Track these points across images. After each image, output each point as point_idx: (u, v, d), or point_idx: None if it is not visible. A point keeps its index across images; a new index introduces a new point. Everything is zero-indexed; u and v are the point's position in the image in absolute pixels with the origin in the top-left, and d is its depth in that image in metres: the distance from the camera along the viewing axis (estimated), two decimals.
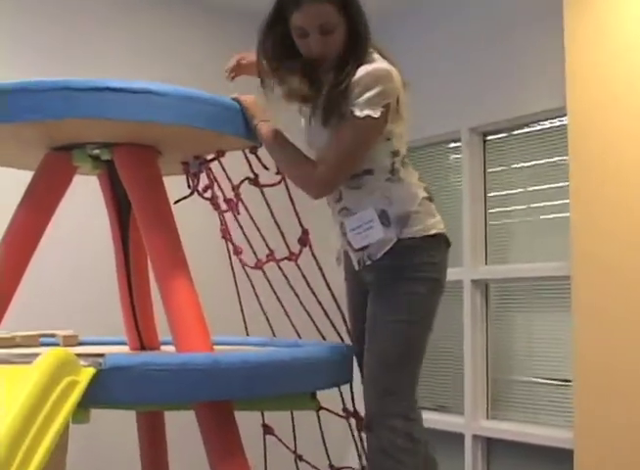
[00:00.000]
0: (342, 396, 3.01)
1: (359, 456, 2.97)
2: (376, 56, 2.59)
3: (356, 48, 2.55)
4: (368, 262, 2.63)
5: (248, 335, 3.37)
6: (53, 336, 3.28)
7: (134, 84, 2.40)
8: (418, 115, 5.07)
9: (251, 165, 2.87)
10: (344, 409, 2.96)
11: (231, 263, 3.20)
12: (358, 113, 2.48)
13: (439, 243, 2.66)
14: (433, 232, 2.62)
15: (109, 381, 2.03)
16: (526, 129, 4.78)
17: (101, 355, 2.12)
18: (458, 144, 5.12)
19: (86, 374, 1.98)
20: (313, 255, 2.87)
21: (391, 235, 2.57)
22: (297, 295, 3.02)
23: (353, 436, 3.00)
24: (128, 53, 4.86)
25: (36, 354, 2.15)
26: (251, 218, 3.04)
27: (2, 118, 2.40)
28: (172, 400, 2.28)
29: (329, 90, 2.53)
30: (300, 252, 2.88)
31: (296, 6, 2.50)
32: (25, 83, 2.37)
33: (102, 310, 4.03)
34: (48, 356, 1.89)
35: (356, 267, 2.68)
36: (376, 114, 2.48)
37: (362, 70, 2.50)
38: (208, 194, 2.99)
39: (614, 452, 3.71)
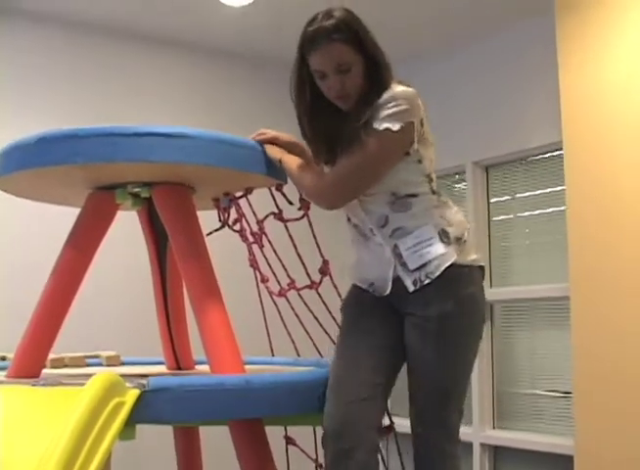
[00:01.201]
0: None
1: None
2: (399, 85, 2.38)
3: (378, 80, 2.35)
4: (426, 281, 2.30)
5: (273, 355, 3.36)
6: (97, 357, 3.29)
7: (171, 129, 2.42)
8: None
9: (275, 201, 2.85)
10: None
11: (258, 290, 3.19)
12: (377, 126, 2.27)
13: (482, 277, 2.43)
14: (481, 264, 2.42)
15: (152, 401, 2.03)
16: (525, 161, 4.80)
17: (144, 377, 2.13)
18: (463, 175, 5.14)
19: (132, 395, 1.99)
20: (333, 283, 2.85)
21: (452, 253, 2.31)
22: (316, 318, 3.03)
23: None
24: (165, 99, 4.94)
25: (85, 375, 2.17)
26: (274, 251, 3.02)
27: (54, 162, 2.41)
28: (208, 419, 2.29)
29: (352, 123, 2.33)
30: (321, 280, 2.87)
31: (312, 49, 2.33)
32: (76, 130, 2.40)
33: (141, 333, 4.04)
34: (97, 380, 1.91)
35: (410, 289, 2.33)
36: (395, 127, 2.26)
37: (387, 93, 2.31)
38: (237, 227, 3.00)
39: (612, 458, 3.68)
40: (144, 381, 2.06)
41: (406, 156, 2.35)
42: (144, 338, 3.66)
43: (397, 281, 2.37)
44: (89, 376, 1.99)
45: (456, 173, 5.20)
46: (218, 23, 4.76)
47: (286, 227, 2.90)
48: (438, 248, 2.30)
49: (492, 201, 5.03)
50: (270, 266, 3.08)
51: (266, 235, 2.96)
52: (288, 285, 2.99)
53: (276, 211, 2.89)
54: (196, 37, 5.01)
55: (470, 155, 5.00)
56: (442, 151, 5.01)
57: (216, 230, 2.94)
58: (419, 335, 2.33)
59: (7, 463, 1.78)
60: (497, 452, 4.88)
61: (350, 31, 2.31)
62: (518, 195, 4.90)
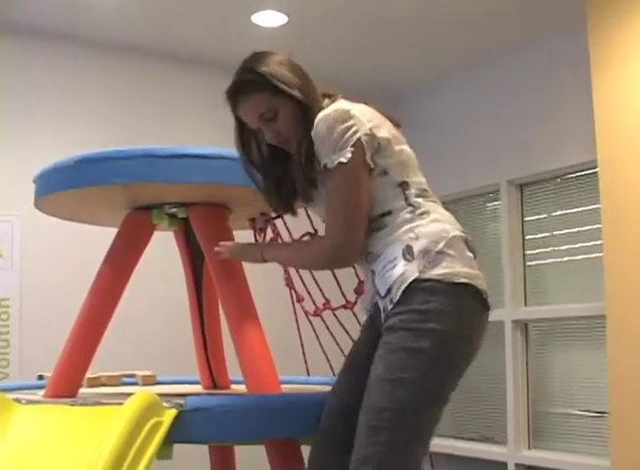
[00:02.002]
0: None
1: None
2: (337, 103, 2.21)
3: (306, 114, 2.19)
4: (390, 307, 2.10)
5: (309, 375, 3.36)
6: (133, 376, 3.32)
7: (208, 151, 2.46)
8: (460, 169, 5.18)
9: (311, 221, 2.85)
10: None
11: (294, 309, 3.20)
12: (330, 165, 2.12)
13: (471, 296, 2.11)
14: (463, 280, 2.08)
15: (189, 421, 2.04)
16: (560, 180, 4.80)
17: (182, 396, 2.14)
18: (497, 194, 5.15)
19: (169, 415, 1.99)
20: None
21: (412, 271, 2.07)
22: (352, 339, 3.03)
23: None
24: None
25: (122, 394, 2.18)
26: (311, 273, 3.03)
27: (93, 182, 2.46)
28: (245, 438, 2.28)
29: (296, 167, 2.22)
30: (356, 300, 2.87)
31: (235, 110, 2.25)
32: (115, 152, 2.44)
33: (175, 353, 4.08)
34: (136, 399, 1.92)
35: (382, 319, 2.13)
36: (345, 157, 2.09)
37: (315, 122, 2.14)
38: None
39: None
40: (181, 401, 2.07)
41: (371, 172, 2.17)
42: (178, 357, 3.70)
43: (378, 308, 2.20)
44: (127, 395, 2.01)
45: (490, 192, 5.21)
46: (251, 43, 4.79)
47: None
48: (399, 268, 2.09)
49: (527, 219, 5.03)
50: (305, 286, 3.09)
51: None
52: (323, 305, 3.00)
53: (312, 231, 2.90)
54: (230, 58, 5.05)
55: (504, 173, 5.01)
56: (477, 169, 5.10)
57: None
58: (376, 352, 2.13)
59: None
60: None
61: (260, 80, 2.20)
62: (553, 213, 4.89)
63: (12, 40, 4.52)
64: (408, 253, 2.09)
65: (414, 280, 2.05)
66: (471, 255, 2.16)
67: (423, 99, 5.43)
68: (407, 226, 2.14)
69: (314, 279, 3.03)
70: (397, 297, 2.07)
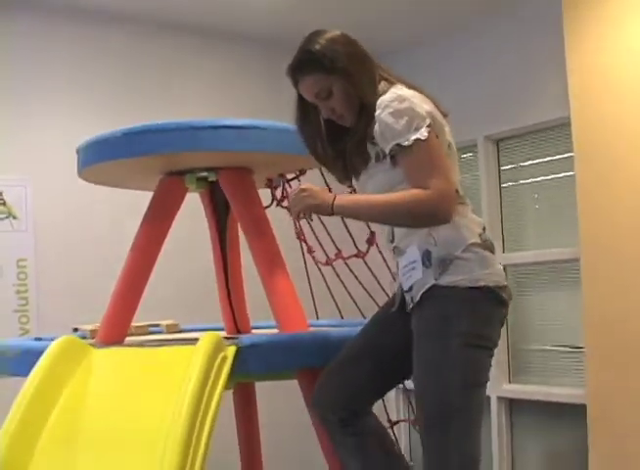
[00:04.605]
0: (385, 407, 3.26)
1: None
2: (396, 88, 2.32)
3: (358, 90, 2.32)
4: (411, 305, 2.32)
5: (318, 318, 3.68)
6: (158, 325, 3.57)
7: (240, 122, 2.79)
8: None
9: (325, 180, 3.04)
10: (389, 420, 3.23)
11: (304, 260, 3.49)
12: (406, 143, 2.20)
13: (486, 296, 2.26)
14: (480, 284, 2.24)
15: (246, 355, 2.41)
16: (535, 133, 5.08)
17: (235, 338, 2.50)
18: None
19: (231, 351, 2.36)
20: (380, 251, 3.19)
21: (429, 277, 2.26)
22: (361, 284, 3.40)
23: None
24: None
25: (163, 340, 2.52)
26: (322, 224, 3.34)
27: (138, 153, 2.79)
28: (287, 368, 2.63)
29: (350, 140, 2.36)
30: (368, 250, 3.21)
31: (295, 85, 2.39)
32: (158, 125, 2.78)
33: (197, 302, 4.39)
34: (208, 338, 2.27)
35: (407, 309, 2.36)
36: (423, 135, 2.19)
37: (380, 106, 2.26)
38: (285, 203, 3.34)
39: (622, 403, 3.91)
40: (237, 339, 2.44)
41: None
42: (198, 307, 4.02)
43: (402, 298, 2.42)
44: (168, 340, 2.34)
45: (468, 146, 5.47)
46: (254, 11, 4.96)
47: None
48: (418, 272, 2.27)
49: (503, 168, 5.29)
50: (317, 238, 3.43)
51: None
52: (335, 255, 3.36)
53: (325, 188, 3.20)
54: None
55: (481, 129, 5.27)
56: (456, 126, 5.36)
57: (267, 207, 3.25)
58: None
59: (142, 414, 2.14)
60: (513, 405, 5.17)
61: (313, 60, 2.32)
62: (527, 162, 5.16)
63: (31, 13, 4.72)
64: (427, 258, 2.26)
65: (432, 286, 2.25)
66: (488, 254, 2.30)
67: (404, 59, 5.64)
68: (428, 230, 2.27)
69: (326, 230, 3.35)
70: (417, 298, 2.27)
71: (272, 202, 3.29)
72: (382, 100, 2.26)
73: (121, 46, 5.07)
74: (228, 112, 4.48)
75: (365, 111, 2.31)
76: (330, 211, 2.30)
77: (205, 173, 3.05)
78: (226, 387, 2.31)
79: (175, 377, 2.16)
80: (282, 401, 4.12)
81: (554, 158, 4.99)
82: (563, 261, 4.82)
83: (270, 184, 3.30)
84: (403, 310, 2.38)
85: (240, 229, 3.14)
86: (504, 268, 4.94)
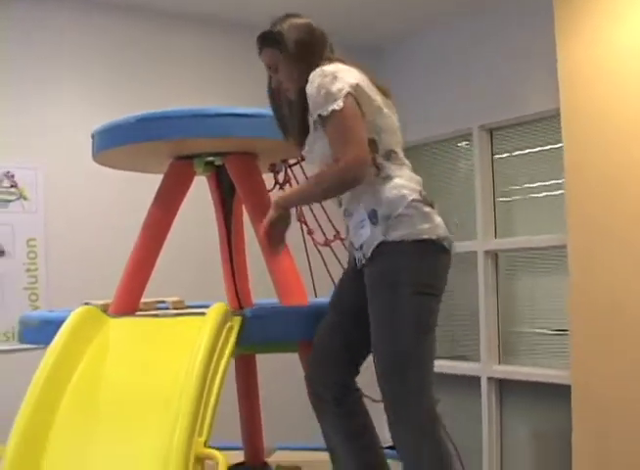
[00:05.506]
0: None
1: None
2: (331, 65, 2.55)
3: (301, 73, 2.58)
4: (363, 261, 2.54)
5: (316, 296, 3.83)
6: (164, 302, 3.70)
7: (247, 110, 2.99)
8: (437, 116, 5.63)
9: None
10: None
11: (304, 241, 3.64)
12: (325, 113, 2.45)
13: (430, 248, 2.47)
14: (422, 237, 2.45)
15: (251, 325, 2.63)
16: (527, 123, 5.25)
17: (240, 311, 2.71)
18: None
19: (237, 321, 2.57)
20: None
21: (377, 234, 2.47)
22: None
23: None
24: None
25: (174, 314, 2.70)
26: (322, 207, 3.52)
27: (150, 138, 2.98)
28: (290, 339, 2.84)
29: (289, 113, 2.70)
30: None
31: (259, 54, 2.70)
32: (169, 112, 2.97)
33: (201, 281, 4.58)
34: (216, 308, 2.47)
35: (358, 265, 2.60)
36: (338, 105, 2.43)
37: (309, 79, 2.52)
38: (287, 187, 3.54)
39: (604, 384, 4.07)
40: (243, 310, 2.65)
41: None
42: (202, 284, 4.21)
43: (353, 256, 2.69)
44: (179, 314, 2.53)
45: (464, 135, 5.65)
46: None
47: None
48: (367, 229, 2.50)
49: (496, 157, 5.47)
50: (317, 220, 3.62)
51: None
52: (334, 236, 3.55)
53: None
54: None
55: (476, 119, 5.45)
56: (453, 116, 5.57)
57: (270, 190, 3.42)
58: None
59: (157, 375, 2.34)
60: (503, 385, 5.34)
61: (270, 38, 2.63)
62: (519, 152, 5.34)
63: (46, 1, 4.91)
64: (374, 217, 2.48)
65: (381, 242, 2.46)
66: (428, 209, 2.50)
67: (399, 51, 5.83)
68: (371, 190, 2.50)
69: (325, 213, 3.53)
70: (369, 254, 2.49)
71: (274, 185, 3.49)
72: (311, 75, 2.52)
73: (138, 36, 5.27)
74: (235, 99, 4.65)
75: (304, 90, 2.56)
76: (279, 210, 2.57)
77: (212, 158, 3.24)
78: (232, 354, 2.51)
79: (187, 343, 2.35)
80: (281, 373, 4.28)
81: (544, 147, 5.16)
82: (551, 248, 4.97)
83: (273, 169, 3.50)
84: (359, 271, 2.60)
85: (244, 211, 3.33)
86: (495, 254, 5.31)
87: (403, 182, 2.51)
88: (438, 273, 2.53)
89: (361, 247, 2.54)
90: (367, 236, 2.50)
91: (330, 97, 2.45)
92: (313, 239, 3.64)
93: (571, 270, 4.30)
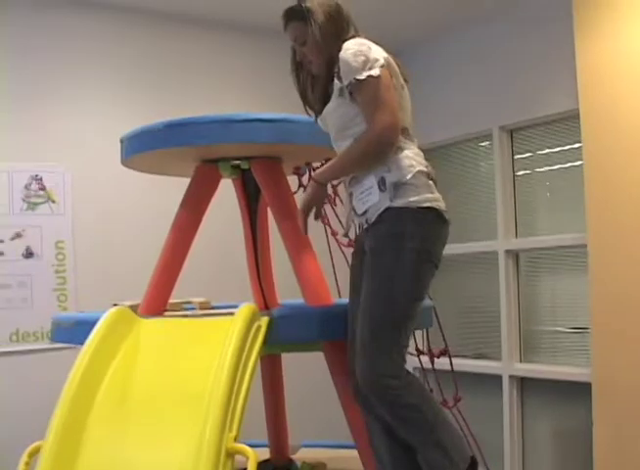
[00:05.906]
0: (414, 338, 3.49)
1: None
2: (361, 39, 2.68)
3: (327, 48, 2.68)
4: (365, 226, 2.65)
5: (340, 297, 3.89)
6: (190, 303, 3.73)
7: (273, 116, 3.06)
8: (458, 117, 5.68)
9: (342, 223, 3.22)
10: (417, 349, 3.45)
11: (328, 242, 3.75)
12: (361, 77, 2.55)
13: (433, 217, 2.59)
14: (426, 205, 2.57)
15: (279, 325, 2.71)
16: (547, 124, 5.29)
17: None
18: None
19: (265, 321, 2.64)
20: None
21: (385, 200, 2.56)
22: None
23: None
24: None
25: (202, 315, 2.77)
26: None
27: (179, 143, 3.06)
28: (316, 338, 2.91)
29: (315, 84, 2.78)
30: None
31: (284, 28, 2.79)
32: (197, 118, 3.05)
33: (227, 282, 4.67)
34: (245, 309, 2.55)
35: (358, 231, 2.75)
36: (375, 73, 2.55)
37: (344, 48, 2.60)
38: None
39: (625, 382, 4.11)
40: (271, 311, 2.73)
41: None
42: (227, 285, 4.28)
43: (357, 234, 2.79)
44: (207, 315, 2.61)
45: (484, 136, 5.70)
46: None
47: None
48: (375, 196, 2.60)
49: (516, 157, 5.50)
50: (340, 222, 3.68)
51: (339, 196, 3.56)
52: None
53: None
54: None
55: (496, 120, 5.50)
56: (474, 116, 5.61)
57: (294, 193, 3.47)
58: (364, 268, 2.66)
59: (188, 374, 2.41)
60: (524, 383, 5.37)
61: (300, 11, 2.71)
62: (539, 151, 5.37)
63: (68, 6, 5.01)
64: (382, 183, 2.59)
65: (387, 208, 2.57)
66: (431, 183, 2.63)
67: (421, 51, 5.86)
68: (384, 159, 2.60)
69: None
70: (373, 219, 2.60)
71: (299, 188, 3.56)
72: (346, 44, 2.63)
73: (160, 43, 5.38)
74: (259, 106, 4.74)
75: (330, 62, 2.68)
76: (316, 185, 2.70)
77: (238, 162, 3.32)
78: (260, 353, 2.58)
79: (217, 342, 2.42)
80: (307, 372, 4.34)
81: (564, 148, 5.19)
82: (572, 247, 5.00)
83: (297, 172, 3.58)
84: (362, 251, 2.70)
85: (270, 213, 3.41)
86: (516, 254, 5.36)
87: (413, 155, 2.64)
88: (440, 241, 2.65)
89: (365, 212, 2.65)
90: (374, 202, 2.60)
91: (367, 64, 2.57)
92: (337, 240, 3.70)
93: (592, 269, 4.34)
